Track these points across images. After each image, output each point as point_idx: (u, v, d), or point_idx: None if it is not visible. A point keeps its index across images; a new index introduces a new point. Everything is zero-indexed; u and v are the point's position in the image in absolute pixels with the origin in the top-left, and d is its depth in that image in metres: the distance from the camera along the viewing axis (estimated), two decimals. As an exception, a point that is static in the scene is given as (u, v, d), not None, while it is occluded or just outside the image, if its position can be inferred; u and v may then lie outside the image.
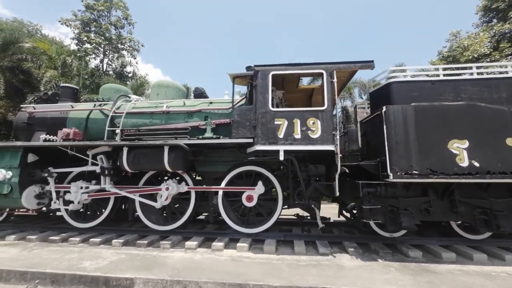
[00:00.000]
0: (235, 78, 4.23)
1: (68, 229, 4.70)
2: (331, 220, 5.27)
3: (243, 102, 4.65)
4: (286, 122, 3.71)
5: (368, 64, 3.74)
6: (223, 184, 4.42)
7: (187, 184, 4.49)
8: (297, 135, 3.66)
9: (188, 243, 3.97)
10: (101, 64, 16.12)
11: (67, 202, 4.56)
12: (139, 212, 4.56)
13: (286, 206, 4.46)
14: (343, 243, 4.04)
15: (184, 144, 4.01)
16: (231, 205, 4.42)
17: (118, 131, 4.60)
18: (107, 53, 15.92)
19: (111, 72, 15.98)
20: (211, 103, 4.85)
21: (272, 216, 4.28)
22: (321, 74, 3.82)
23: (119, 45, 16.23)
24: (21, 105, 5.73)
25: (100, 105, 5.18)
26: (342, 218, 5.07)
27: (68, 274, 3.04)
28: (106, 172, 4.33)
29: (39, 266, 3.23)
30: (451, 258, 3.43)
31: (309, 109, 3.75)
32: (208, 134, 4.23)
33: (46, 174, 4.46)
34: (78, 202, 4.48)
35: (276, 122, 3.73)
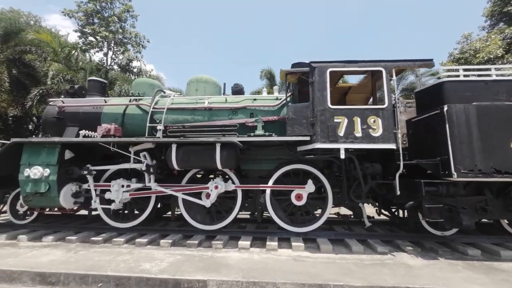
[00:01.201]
0: (287, 75, 4.13)
1: (105, 229, 4.50)
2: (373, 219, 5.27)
3: (289, 99, 4.56)
4: (346, 120, 3.66)
5: (428, 63, 3.73)
6: (270, 182, 4.33)
7: (233, 182, 4.38)
8: (358, 134, 3.61)
9: (242, 243, 3.88)
10: (105, 58, 15.57)
11: (106, 201, 4.37)
12: (183, 212, 4.41)
13: (332, 205, 4.42)
14: (395, 241, 4.06)
15: (238, 141, 3.88)
16: (279, 204, 4.34)
17: (160, 127, 4.42)
18: (111, 46, 15.38)
19: (115, 67, 15.47)
20: (255, 99, 4.74)
21: (322, 215, 4.23)
22: (380, 72, 3.78)
23: (123, 39, 15.71)
24: (49, 99, 5.43)
25: (136, 100, 4.98)
26: (381, 217, 5.10)
27: (134, 277, 2.89)
28: (152, 170, 4.16)
29: (97, 268, 3.07)
30: (510, 256, 3.49)
31: (370, 107, 3.72)
32: (259, 131, 4.13)
33: (85, 172, 4.25)
34: (119, 201, 4.29)
35: (335, 120, 3.67)
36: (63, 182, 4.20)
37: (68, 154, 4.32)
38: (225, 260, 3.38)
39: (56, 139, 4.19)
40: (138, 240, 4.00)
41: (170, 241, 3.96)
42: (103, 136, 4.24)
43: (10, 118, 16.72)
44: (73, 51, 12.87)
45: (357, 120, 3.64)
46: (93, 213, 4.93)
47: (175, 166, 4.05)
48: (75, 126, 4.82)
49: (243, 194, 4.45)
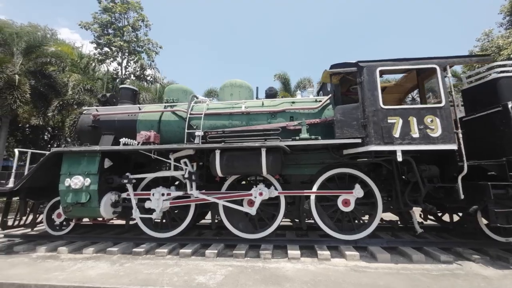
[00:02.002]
0: (331, 76, 4.00)
1: (142, 239, 4.36)
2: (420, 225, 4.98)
3: (328, 101, 4.41)
4: (401, 121, 3.48)
5: (486, 58, 3.55)
6: (315, 188, 4.15)
7: (275, 188, 4.21)
8: (415, 134, 3.42)
9: (291, 252, 3.68)
10: (119, 67, 15.81)
11: (144, 211, 4.25)
12: (225, 220, 4.25)
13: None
14: (454, 249, 3.79)
15: (286, 145, 3.73)
16: (325, 210, 4.14)
17: (199, 133, 4.31)
18: (125, 55, 15.61)
19: (130, 76, 15.68)
20: (293, 102, 4.61)
21: (372, 221, 4.01)
22: (434, 70, 3.60)
23: (136, 47, 15.94)
24: (84, 108, 5.43)
25: (170, 106, 4.91)
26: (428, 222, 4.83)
27: (194, 292, 2.73)
28: (194, 177, 4.03)
29: (152, 283, 2.92)
30: None
31: (427, 106, 3.52)
32: (304, 134, 3.97)
33: (125, 181, 4.15)
34: (160, 210, 4.16)
35: (389, 121, 3.50)
36: (103, 191, 4.11)
37: (107, 163, 4.24)
38: (280, 272, 3.19)
39: (97, 147, 4.12)
40: (182, 250, 3.84)
41: (215, 251, 3.79)
42: (143, 143, 4.16)
43: (28, 129, 17.08)
44: (92, 62, 13.11)
45: (413, 120, 3.45)
46: (130, 222, 4.81)
47: (219, 173, 3.91)
48: (111, 134, 4.77)
49: (285, 200, 4.28)
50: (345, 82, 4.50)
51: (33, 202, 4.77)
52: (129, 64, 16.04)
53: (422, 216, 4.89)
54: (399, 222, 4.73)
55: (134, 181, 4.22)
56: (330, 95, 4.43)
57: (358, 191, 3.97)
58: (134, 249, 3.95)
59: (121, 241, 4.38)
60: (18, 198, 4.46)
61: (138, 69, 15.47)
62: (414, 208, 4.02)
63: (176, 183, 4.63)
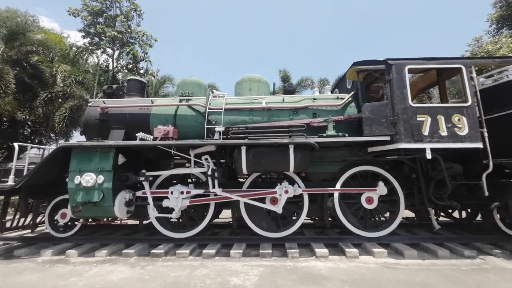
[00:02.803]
0: (358, 73, 3.97)
1: (156, 240, 4.12)
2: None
3: (350, 99, 4.40)
4: (429, 119, 3.52)
5: (508, 60, 3.66)
6: (338, 185, 4.13)
7: (298, 186, 4.13)
8: (443, 132, 3.48)
9: (319, 251, 3.62)
10: (110, 59, 14.99)
11: (160, 210, 4.02)
12: (247, 219, 4.12)
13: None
14: (472, 244, 3.92)
15: (314, 142, 3.66)
16: (349, 208, 4.12)
17: (220, 128, 4.14)
18: (118, 47, 14.81)
19: (122, 68, 14.93)
20: (315, 99, 4.54)
21: (395, 218, 4.05)
22: (459, 69, 3.68)
23: (130, 39, 15.18)
24: (90, 99, 5.02)
25: (186, 100, 4.67)
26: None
27: (234, 294, 2.59)
28: (216, 174, 3.85)
29: (184, 286, 2.75)
30: None
31: (453, 105, 3.59)
32: (331, 131, 3.92)
33: (141, 178, 3.89)
34: (179, 210, 3.95)
35: (418, 119, 3.53)
36: (117, 189, 3.82)
37: (121, 159, 3.95)
38: (314, 271, 3.13)
39: (111, 142, 3.82)
40: (205, 251, 3.67)
41: (240, 251, 3.66)
42: (161, 138, 3.91)
43: (6, 123, 15.81)
44: (84, 52, 12.30)
45: (441, 119, 3.50)
46: (144, 222, 4.54)
47: (244, 170, 3.77)
48: (121, 128, 4.45)
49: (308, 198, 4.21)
50: (365, 80, 4.50)
51: (33, 201, 4.35)
52: (121, 56, 15.26)
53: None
54: (415, 219, 4.84)
55: (151, 178, 3.97)
56: (352, 92, 4.42)
57: (382, 189, 3.99)
58: (153, 251, 3.72)
59: (134, 242, 4.12)
60: (17, 197, 4.04)
61: (131, 62, 14.74)
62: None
63: (189, 180, 4.44)
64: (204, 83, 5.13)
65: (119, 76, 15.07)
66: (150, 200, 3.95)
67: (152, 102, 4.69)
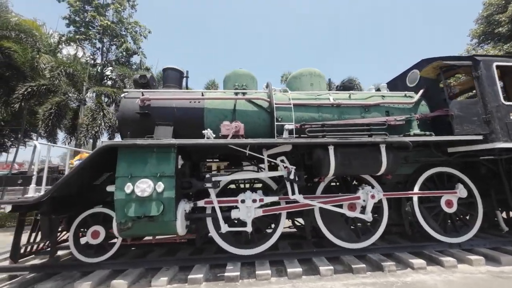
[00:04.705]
0: (442, 68, 3.76)
1: (216, 260, 3.43)
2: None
3: (420, 97, 4.19)
4: (522, 117, 3.40)
5: None
6: (416, 188, 3.84)
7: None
8: (536, 131, 3.37)
9: (417, 262, 3.26)
10: (99, 52, 13.45)
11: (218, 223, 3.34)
12: (323, 229, 3.61)
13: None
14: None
15: (409, 141, 3.32)
16: (429, 212, 3.84)
17: (289, 126, 3.62)
18: (107, 38, 13.33)
19: (113, 63, 13.47)
20: (383, 96, 4.25)
21: (475, 222, 3.86)
22: (539, 68, 3.65)
23: (123, 29, 13.79)
24: (125, 90, 4.12)
25: (242, 93, 4.07)
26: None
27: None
28: (297, 178, 3.31)
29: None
30: None
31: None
32: (416, 130, 3.64)
33: (209, 185, 3.19)
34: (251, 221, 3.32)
35: None
36: (177, 200, 3.08)
37: (180, 161, 3.21)
38: (427, 286, 2.74)
39: (173, 140, 3.07)
40: (290, 270, 3.08)
41: (331, 267, 3.14)
42: (233, 136, 3.27)
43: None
44: (68, 42, 10.75)
45: (533, 117, 3.41)
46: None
47: (331, 173, 3.29)
48: (168, 125, 3.70)
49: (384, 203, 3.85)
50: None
51: (53, 217, 3.35)
52: (110, 48, 13.77)
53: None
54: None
55: (218, 184, 3.29)
56: (421, 90, 4.22)
57: (462, 191, 3.80)
58: (227, 274, 3.02)
59: (189, 263, 3.37)
60: (38, 212, 3.05)
61: (124, 54, 13.36)
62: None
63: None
64: (254, 76, 4.57)
65: (107, 71, 13.60)
66: (218, 211, 3.26)
67: (203, 95, 4.00)
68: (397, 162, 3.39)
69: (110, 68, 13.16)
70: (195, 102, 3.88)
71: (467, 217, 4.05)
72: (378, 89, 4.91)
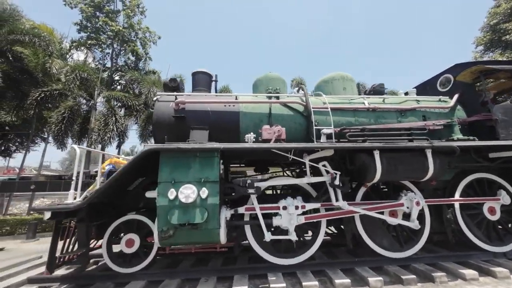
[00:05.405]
0: (482, 72, 3.72)
1: (254, 270, 3.27)
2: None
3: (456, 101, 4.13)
4: None
5: None
6: (457, 195, 3.73)
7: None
8: None
9: (468, 273, 3.10)
10: (108, 57, 13.49)
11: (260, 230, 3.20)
12: (365, 237, 3.48)
13: None
14: None
15: (457, 146, 3.24)
16: (471, 219, 3.72)
17: (328, 130, 3.53)
18: (116, 44, 13.40)
19: (124, 67, 13.51)
20: (418, 101, 4.19)
21: (519, 230, 3.74)
22: None
23: (132, 35, 13.88)
24: (158, 93, 4.04)
25: (276, 97, 4.00)
26: None
27: None
28: (342, 184, 3.20)
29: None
30: None
31: None
32: (458, 134, 3.56)
33: (252, 190, 3.07)
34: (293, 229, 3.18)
35: (558, 122, 3.32)
36: (220, 206, 2.95)
37: (221, 166, 3.10)
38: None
39: (217, 144, 2.97)
40: (338, 281, 2.92)
41: (380, 278, 2.99)
42: (275, 140, 3.17)
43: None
44: (81, 48, 10.79)
45: None
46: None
47: (376, 178, 3.18)
48: (203, 128, 3.60)
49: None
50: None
51: (89, 225, 3.19)
52: (120, 53, 13.83)
53: None
54: None
55: (261, 189, 3.17)
56: (457, 94, 4.17)
57: (505, 198, 3.69)
58: (272, 286, 2.86)
59: (228, 274, 3.22)
60: (76, 219, 2.91)
61: (133, 60, 13.41)
62: None
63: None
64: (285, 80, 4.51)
65: (116, 76, 13.63)
66: (260, 218, 3.12)
67: (236, 98, 3.93)
68: (444, 167, 3.29)
69: (120, 72, 13.19)
70: (229, 105, 3.81)
71: (510, 225, 3.92)
72: (406, 94, 4.87)
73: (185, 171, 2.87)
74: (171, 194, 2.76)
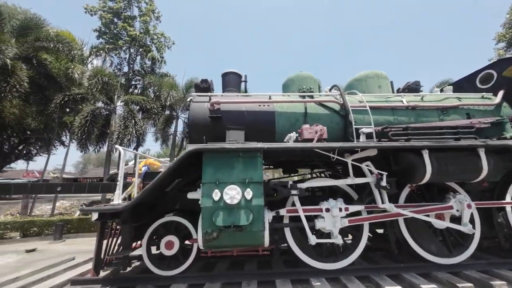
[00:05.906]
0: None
1: (295, 274, 3.15)
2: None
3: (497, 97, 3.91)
4: None
5: None
6: (508, 197, 3.50)
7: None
8: None
9: (529, 282, 2.89)
10: (125, 62, 13.80)
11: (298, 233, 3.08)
12: (411, 241, 3.30)
13: None
14: None
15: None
16: (522, 224, 3.47)
17: (368, 130, 3.39)
18: (135, 48, 13.69)
19: (140, 72, 13.78)
20: (459, 98, 4.00)
21: None
22: None
23: (148, 40, 14.17)
24: (190, 94, 4.04)
25: (310, 97, 3.91)
26: None
27: None
28: (389, 186, 3.05)
29: None
30: None
31: None
32: (510, 133, 3.35)
33: (295, 192, 2.97)
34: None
35: None
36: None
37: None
38: None
39: (259, 144, 2.89)
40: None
41: (435, 286, 2.81)
42: (318, 140, 3.07)
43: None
44: (101, 52, 11.08)
45: None
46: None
47: (426, 179, 3.02)
48: (239, 129, 3.55)
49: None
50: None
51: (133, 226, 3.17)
52: (136, 58, 14.13)
53: None
54: None
55: (304, 192, 3.07)
56: (502, 90, 3.95)
57: (558, 200, 3.43)
58: (321, 291, 2.74)
59: (269, 278, 3.11)
60: (120, 220, 2.89)
61: (149, 63, 13.66)
62: None
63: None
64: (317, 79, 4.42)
65: (133, 81, 13.91)
66: (304, 221, 3.02)
67: (270, 98, 3.86)
68: (498, 167, 3.09)
69: (137, 77, 13.46)
70: (264, 105, 3.74)
71: None
72: (441, 91, 4.68)
73: (228, 172, 2.81)
74: (216, 195, 2.70)
